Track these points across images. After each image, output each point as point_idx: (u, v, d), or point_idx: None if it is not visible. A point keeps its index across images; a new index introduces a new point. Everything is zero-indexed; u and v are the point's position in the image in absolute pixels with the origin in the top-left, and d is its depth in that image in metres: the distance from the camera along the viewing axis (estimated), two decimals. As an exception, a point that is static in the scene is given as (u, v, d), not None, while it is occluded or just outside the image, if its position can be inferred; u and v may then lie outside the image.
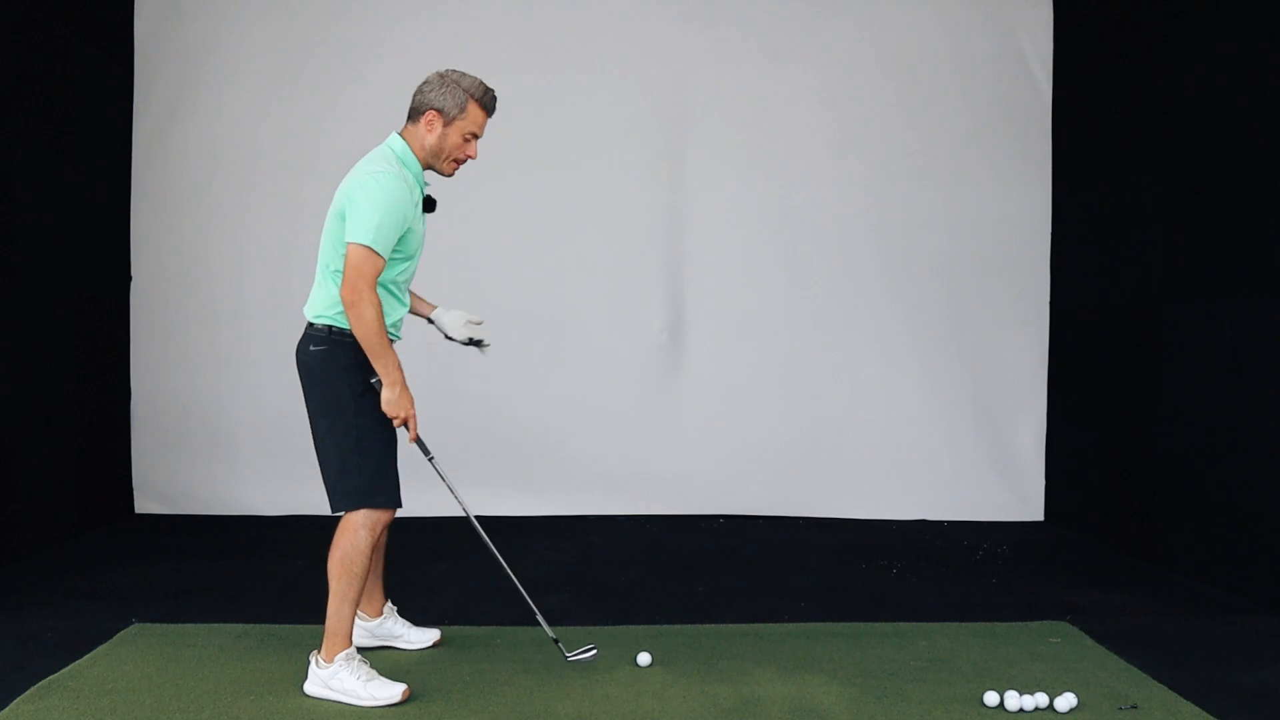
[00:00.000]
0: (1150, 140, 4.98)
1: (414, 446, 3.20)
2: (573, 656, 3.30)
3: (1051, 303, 5.91)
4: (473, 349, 3.48)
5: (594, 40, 5.87)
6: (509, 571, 3.40)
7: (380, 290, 3.08)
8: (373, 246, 2.95)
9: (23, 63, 4.70)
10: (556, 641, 3.35)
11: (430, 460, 3.29)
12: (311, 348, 3.12)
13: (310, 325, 3.15)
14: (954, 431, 5.92)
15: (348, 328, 3.06)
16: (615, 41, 5.87)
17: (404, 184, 3.04)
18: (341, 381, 3.08)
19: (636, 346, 5.92)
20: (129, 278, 5.74)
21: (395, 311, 3.19)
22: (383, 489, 3.10)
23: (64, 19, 5.05)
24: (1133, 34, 5.16)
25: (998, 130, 5.90)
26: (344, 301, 2.96)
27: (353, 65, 5.77)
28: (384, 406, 3.04)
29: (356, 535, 3.06)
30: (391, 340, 3.16)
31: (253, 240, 5.78)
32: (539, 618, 3.37)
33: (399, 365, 3.03)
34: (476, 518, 3.37)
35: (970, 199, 5.92)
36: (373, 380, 3.07)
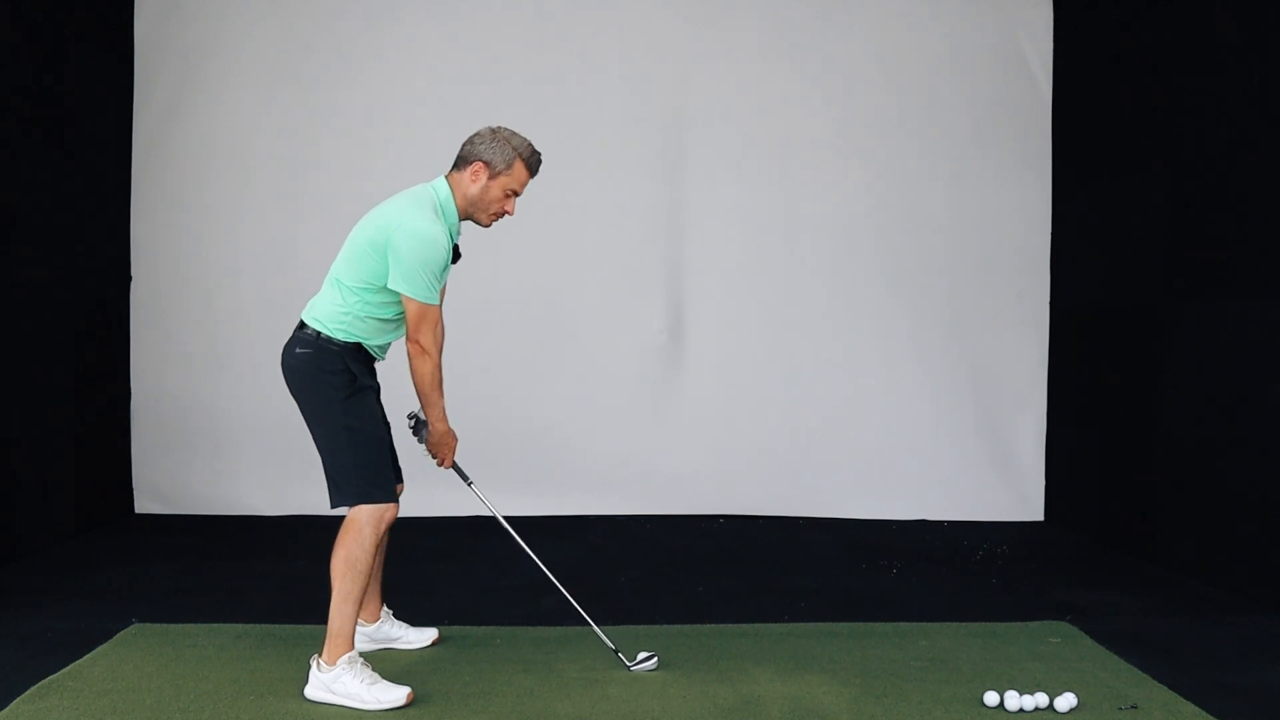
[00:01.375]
0: (1150, 140, 4.98)
1: (433, 459, 3.37)
2: (635, 666, 3.34)
3: (1051, 303, 5.91)
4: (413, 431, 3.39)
5: (594, 40, 5.87)
6: (556, 583, 3.51)
7: (384, 320, 3.17)
8: (425, 300, 3.07)
9: (23, 63, 4.70)
10: (617, 651, 3.38)
11: (470, 486, 3.43)
12: (297, 350, 3.16)
13: (302, 326, 3.19)
14: (954, 431, 5.92)
15: (337, 336, 3.14)
16: (616, 41, 5.87)
17: (443, 233, 3.10)
18: (326, 384, 3.12)
19: (636, 346, 5.92)
20: (129, 278, 5.74)
21: (386, 336, 3.23)
22: (379, 485, 3.12)
23: (64, 19, 5.05)
24: (1133, 34, 5.16)
25: (998, 130, 5.90)
26: (409, 353, 3.13)
27: (353, 65, 5.77)
28: (429, 445, 3.30)
29: (361, 533, 3.06)
30: (374, 359, 3.25)
31: (252, 240, 5.78)
32: (596, 630, 3.43)
33: (444, 412, 3.24)
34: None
35: (970, 199, 5.92)
36: (409, 416, 3.30)
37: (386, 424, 3.32)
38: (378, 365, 3.31)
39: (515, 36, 5.81)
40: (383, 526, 3.11)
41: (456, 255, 3.23)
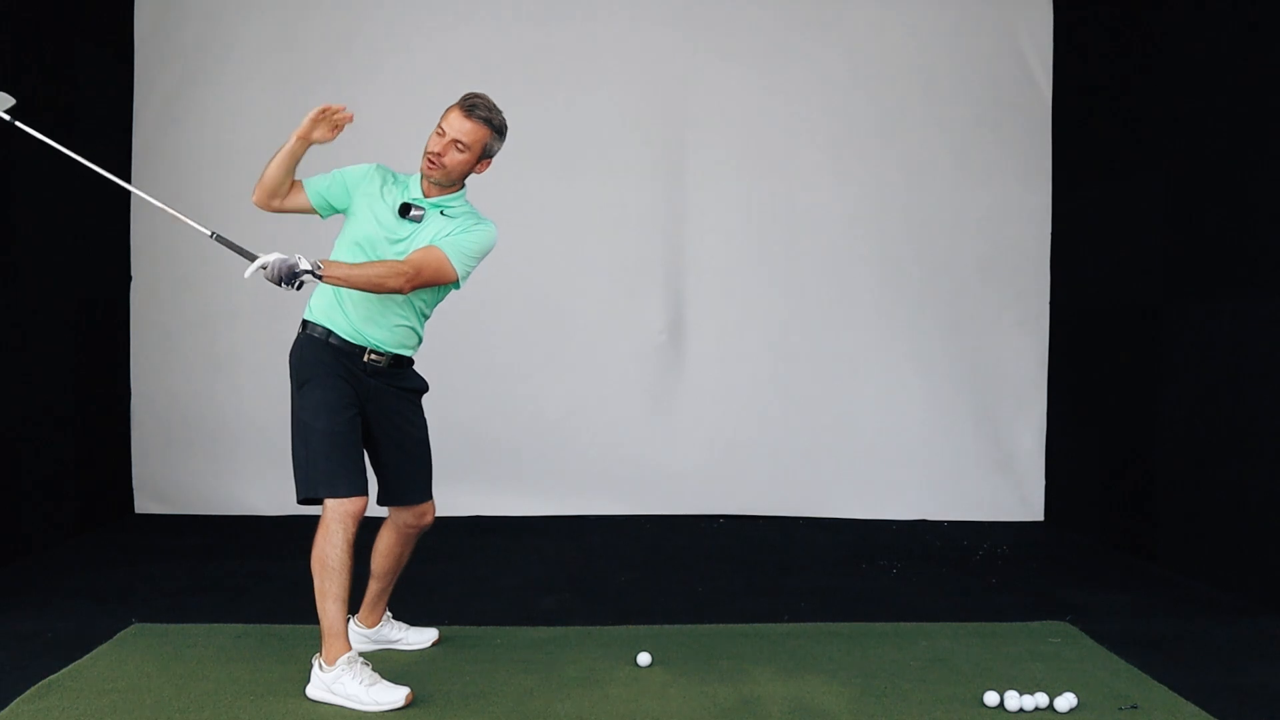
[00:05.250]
0: (1150, 140, 4.97)
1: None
2: None
3: (1051, 303, 5.90)
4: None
5: (594, 40, 5.86)
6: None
7: (329, 294, 3.24)
8: None
9: (23, 63, 4.70)
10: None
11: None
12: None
13: None
14: (954, 431, 5.92)
15: (309, 321, 3.24)
16: (615, 41, 5.86)
17: (367, 165, 3.33)
18: (290, 377, 3.23)
19: (636, 346, 5.92)
20: (129, 278, 5.73)
21: (337, 320, 3.22)
22: (330, 479, 3.10)
23: (64, 19, 5.05)
24: (1133, 34, 5.16)
25: (998, 129, 5.90)
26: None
27: (353, 65, 5.76)
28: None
29: (328, 530, 3.07)
30: (355, 354, 3.21)
31: (252, 240, 5.75)
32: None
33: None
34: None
35: (970, 198, 5.92)
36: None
37: (411, 436, 3.33)
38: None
39: (516, 38, 5.80)
40: (350, 522, 3.07)
41: (405, 211, 3.23)
